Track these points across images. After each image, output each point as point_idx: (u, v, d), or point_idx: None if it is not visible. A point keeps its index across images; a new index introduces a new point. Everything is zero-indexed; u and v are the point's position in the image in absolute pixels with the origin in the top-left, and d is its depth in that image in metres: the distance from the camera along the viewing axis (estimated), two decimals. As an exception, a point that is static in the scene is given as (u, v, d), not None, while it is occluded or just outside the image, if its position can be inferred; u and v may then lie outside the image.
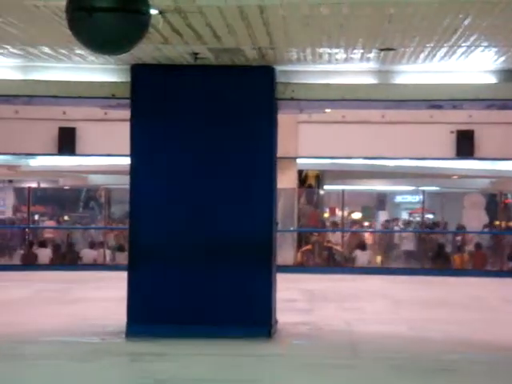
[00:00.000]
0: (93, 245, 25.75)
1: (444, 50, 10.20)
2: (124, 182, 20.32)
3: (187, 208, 11.53)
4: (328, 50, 10.44)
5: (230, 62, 11.14)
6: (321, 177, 28.16)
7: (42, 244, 25.57)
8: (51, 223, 29.84)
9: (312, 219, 25.79)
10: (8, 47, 10.30)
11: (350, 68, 11.48)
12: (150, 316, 11.33)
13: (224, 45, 10.15)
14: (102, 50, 7.14)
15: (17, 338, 11.24)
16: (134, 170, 11.77)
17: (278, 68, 11.49)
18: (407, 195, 40.10)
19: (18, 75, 11.64)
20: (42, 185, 38.19)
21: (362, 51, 10.44)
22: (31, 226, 25.68)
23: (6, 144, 24.35)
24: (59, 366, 9.51)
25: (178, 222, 11.52)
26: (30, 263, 24.15)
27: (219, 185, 11.57)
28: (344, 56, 10.73)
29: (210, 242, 11.43)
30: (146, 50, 10.26)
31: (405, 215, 38.25)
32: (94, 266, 24.01)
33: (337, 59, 10.91)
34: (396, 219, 31.11)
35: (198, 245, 11.44)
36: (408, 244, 25.83)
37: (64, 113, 23.44)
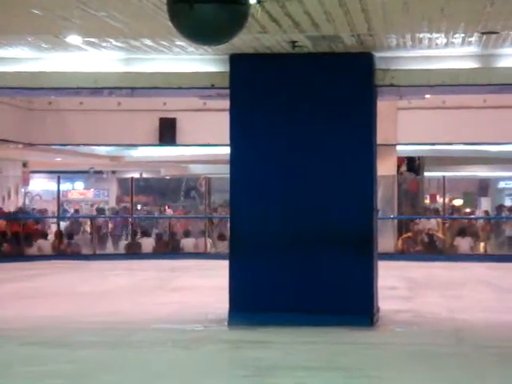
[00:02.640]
0: (194, 234, 26.07)
1: (549, 31, 9.96)
2: (224, 171, 20.52)
3: (286, 197, 11.55)
4: (428, 35, 10.31)
5: (328, 49, 11.11)
6: (421, 163, 27.79)
7: (146, 233, 26.03)
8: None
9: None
10: (111, 40, 10.51)
11: (451, 53, 11.31)
12: (251, 304, 11.41)
13: (322, 32, 10.13)
14: (202, 41, 7.23)
15: (124, 326, 11.49)
16: (233, 160, 11.84)
17: (377, 54, 11.40)
18: (510, 181, 39.29)
19: (120, 68, 11.85)
20: (144, 175, 38.85)
21: (463, 35, 10.27)
22: (134, 216, 26.13)
23: (108, 135, 24.89)
24: (165, 352, 9.68)
25: (277, 210, 11.56)
26: (133, 252, 24.62)
27: (318, 173, 11.56)
28: (445, 41, 10.58)
29: (310, 231, 11.43)
30: (245, 40, 10.32)
31: (508, 201, 37.48)
32: (196, 254, 24.30)
33: (437, 44, 10.76)
34: (501, 206, 30.44)
35: (297, 234, 11.46)
36: (512, 230, 25.32)
37: (164, 104, 23.80)
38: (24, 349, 9.83)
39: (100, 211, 32.37)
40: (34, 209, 31.83)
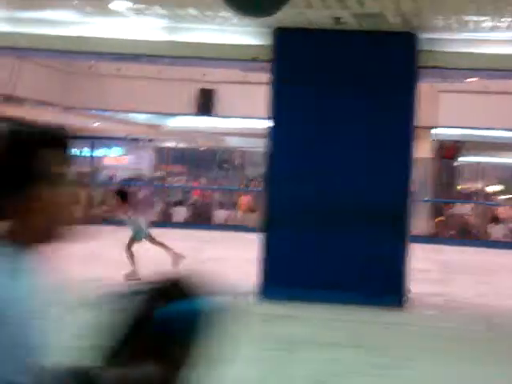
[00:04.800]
0: (226, 206, 26.15)
1: None
2: (259, 144, 20.48)
3: (322, 175, 11.52)
4: (474, 18, 10.21)
5: (372, 27, 11.03)
6: (458, 147, 27.60)
7: (178, 203, 26.14)
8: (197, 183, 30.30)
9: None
10: (156, 8, 10.51)
11: (497, 37, 11.17)
12: (283, 279, 11.43)
13: (367, 10, 10.06)
14: (249, 13, 7.21)
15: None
16: (271, 134, 11.83)
17: (422, 35, 11.29)
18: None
19: (163, 36, 11.84)
20: (180, 145, 38.91)
21: (509, 20, 10.15)
22: (168, 185, 26.23)
23: (147, 103, 24.95)
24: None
25: (312, 187, 11.54)
26: (165, 221, 24.74)
27: (356, 152, 11.51)
28: (491, 24, 10.46)
29: (345, 209, 11.41)
30: (289, 14, 10.27)
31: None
32: (227, 226, 24.38)
33: (483, 27, 10.65)
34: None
35: (332, 211, 11.44)
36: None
37: (204, 74, 23.77)
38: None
39: (134, 179, 32.49)
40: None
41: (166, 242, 19.56)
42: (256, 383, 7.09)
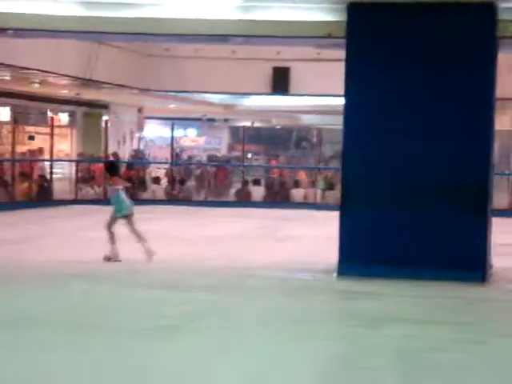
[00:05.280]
0: (302, 184, 26.14)
1: None
2: (335, 122, 20.38)
3: (400, 151, 11.39)
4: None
5: (449, -1, 10.85)
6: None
7: (256, 182, 26.23)
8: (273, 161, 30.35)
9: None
10: (230, -12, 10.52)
11: None
12: (361, 256, 11.38)
13: (444, -19, 9.89)
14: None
15: (234, 272, 11.66)
16: (347, 111, 11.71)
17: (501, 4, 11.06)
18: None
19: (236, 15, 11.82)
20: (256, 124, 39.01)
21: None
22: (245, 164, 26.33)
23: (222, 83, 25.06)
24: (274, 299, 9.79)
25: (390, 164, 11.43)
26: (243, 200, 24.86)
27: (434, 126, 11.36)
28: None
29: (424, 184, 11.29)
30: (364, -11, 10.17)
31: None
32: (304, 204, 24.38)
33: None
34: None
35: (410, 187, 11.33)
36: None
37: (278, 53, 23.76)
38: (139, 290, 10.07)
39: (212, 158, 32.73)
40: (149, 154, 32.45)
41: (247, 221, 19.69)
42: (341, 360, 7.10)
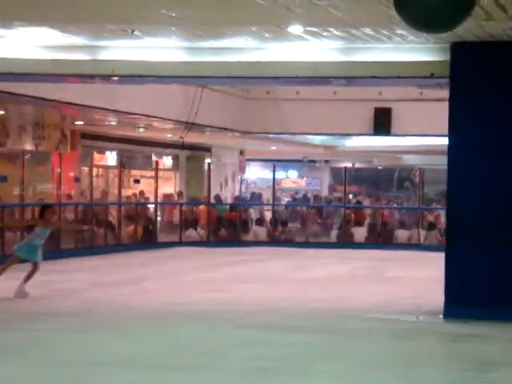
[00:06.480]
0: (406, 225, 25.86)
1: None
2: (438, 162, 20.16)
3: (508, 192, 11.19)
4: None
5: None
6: None
7: (358, 223, 26.06)
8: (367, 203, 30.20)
9: None
10: (332, 29, 10.56)
11: None
12: (468, 297, 11.16)
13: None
14: (428, 28, 7.11)
15: (337, 313, 11.59)
16: (451, 151, 11.56)
17: None
18: None
19: (337, 57, 11.89)
20: (356, 165, 38.93)
21: None
22: (347, 205, 26.21)
23: (323, 125, 25.13)
24: (379, 341, 9.67)
25: (496, 202, 11.23)
26: (345, 241, 24.74)
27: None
28: None
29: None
30: (468, 28, 10.06)
31: None
32: (409, 245, 24.10)
33: None
34: None
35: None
36: None
37: (380, 93, 23.72)
38: (241, 331, 10.11)
39: (318, 200, 32.60)
40: (253, 193, 32.67)
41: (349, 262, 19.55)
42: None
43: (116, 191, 23.24)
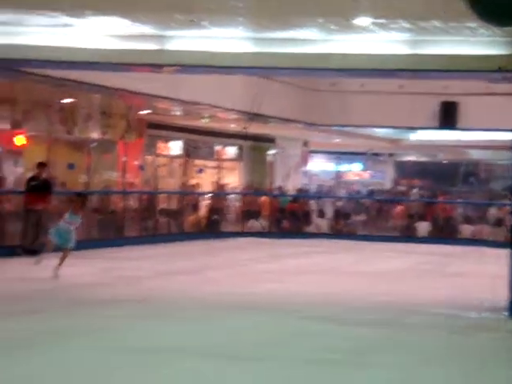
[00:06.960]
0: (471, 220, 25.59)
1: None
2: (505, 157, 19.87)
3: None
4: None
5: None
6: None
7: (422, 217, 25.88)
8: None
9: None
10: (400, 21, 10.49)
11: None
12: (533, 295, 11.00)
13: None
14: (500, 21, 7.01)
15: (400, 307, 11.52)
16: (520, 145, 11.44)
17: None
18: None
19: (404, 49, 11.80)
20: (421, 158, 38.54)
21: None
22: (411, 198, 26.03)
23: (388, 118, 24.96)
24: (441, 337, 9.58)
25: None
26: (409, 235, 24.62)
27: None
28: None
29: None
30: (538, 21, 9.90)
31: None
32: (472, 240, 23.84)
33: None
34: None
35: None
36: None
37: (446, 87, 23.45)
38: (303, 323, 10.11)
39: (371, 193, 32.49)
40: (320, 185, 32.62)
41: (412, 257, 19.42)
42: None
43: (179, 181, 23.39)
